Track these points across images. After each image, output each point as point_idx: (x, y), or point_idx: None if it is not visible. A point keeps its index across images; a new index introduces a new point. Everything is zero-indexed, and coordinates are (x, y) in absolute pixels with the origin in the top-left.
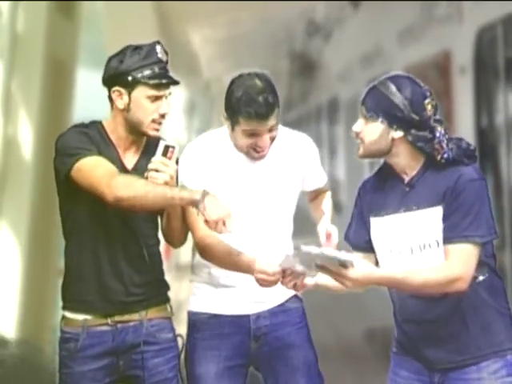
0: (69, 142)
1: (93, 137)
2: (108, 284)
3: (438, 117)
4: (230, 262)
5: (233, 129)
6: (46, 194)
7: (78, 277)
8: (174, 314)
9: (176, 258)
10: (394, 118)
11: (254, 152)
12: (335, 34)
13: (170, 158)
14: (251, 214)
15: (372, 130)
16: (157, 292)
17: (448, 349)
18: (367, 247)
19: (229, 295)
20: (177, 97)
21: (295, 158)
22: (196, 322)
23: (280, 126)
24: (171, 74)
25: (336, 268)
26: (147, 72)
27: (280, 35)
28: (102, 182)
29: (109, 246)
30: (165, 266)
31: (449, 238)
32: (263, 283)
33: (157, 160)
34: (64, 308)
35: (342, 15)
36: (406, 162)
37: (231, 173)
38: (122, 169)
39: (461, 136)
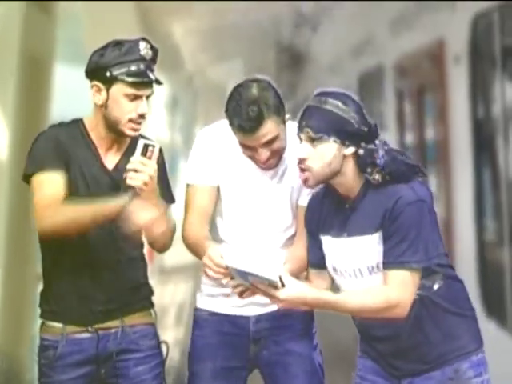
0: (35, 150)
1: (65, 141)
2: (86, 292)
3: (374, 122)
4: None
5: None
6: (22, 198)
7: (55, 284)
8: (158, 320)
9: (160, 261)
10: (346, 134)
11: (257, 163)
12: (324, 23)
13: (149, 158)
14: (253, 219)
15: (324, 152)
16: (139, 297)
17: (411, 359)
18: (322, 264)
19: (230, 295)
20: (159, 92)
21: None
22: (198, 318)
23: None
24: (156, 73)
25: (266, 288)
26: (125, 69)
27: (266, 26)
28: (35, 208)
29: (86, 252)
30: (148, 270)
31: (386, 263)
32: (206, 271)
33: (135, 160)
34: (42, 315)
35: (330, 4)
36: (350, 183)
37: (241, 172)
38: (102, 169)
39: (456, 128)
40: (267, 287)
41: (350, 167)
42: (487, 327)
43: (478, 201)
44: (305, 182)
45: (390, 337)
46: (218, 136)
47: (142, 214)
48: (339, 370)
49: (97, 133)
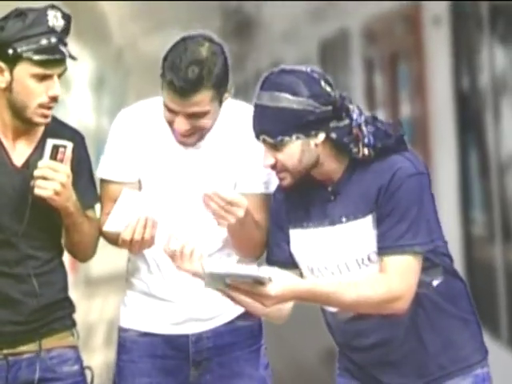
0: None
1: None
2: None
3: (340, 93)
4: None
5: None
6: None
7: None
8: (84, 341)
9: (85, 271)
10: (308, 125)
11: (174, 133)
12: None
13: (60, 161)
14: (180, 203)
15: (291, 153)
16: (56, 316)
17: (404, 372)
18: (289, 262)
19: (164, 310)
20: (81, 70)
21: (239, 144)
22: (125, 340)
23: (235, 102)
24: (76, 46)
25: (251, 287)
26: (32, 45)
27: None
28: None
29: None
30: (71, 281)
31: (383, 248)
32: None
33: (43, 165)
34: None
35: None
36: (331, 168)
37: (163, 152)
38: (10, 166)
39: (437, 103)
40: (252, 286)
41: (326, 153)
42: None
43: (463, 189)
44: (281, 181)
45: (379, 344)
46: (137, 121)
47: None
48: None
49: (1, 120)
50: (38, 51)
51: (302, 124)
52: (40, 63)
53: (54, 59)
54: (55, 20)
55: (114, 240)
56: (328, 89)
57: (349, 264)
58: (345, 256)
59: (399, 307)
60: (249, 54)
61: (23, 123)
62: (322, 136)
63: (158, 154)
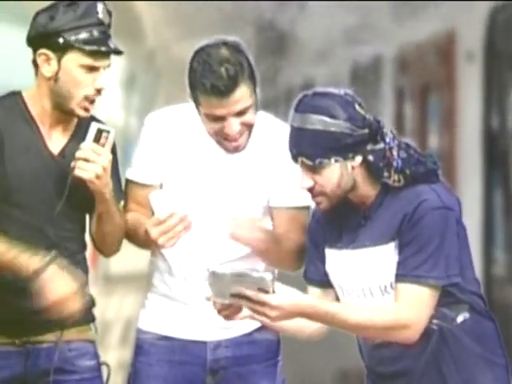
0: None
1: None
2: (11, 299)
3: (374, 116)
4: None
5: (199, 112)
6: None
7: None
8: (100, 337)
9: (104, 267)
10: (346, 148)
11: (225, 142)
12: (312, 1)
13: (103, 145)
14: (209, 209)
15: (329, 176)
16: (82, 307)
17: None
18: (323, 281)
19: (184, 314)
20: (114, 67)
21: (273, 157)
22: (143, 342)
23: (267, 115)
24: (113, 40)
25: (255, 295)
26: (83, 35)
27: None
28: None
29: None
30: (90, 277)
31: (399, 275)
32: (155, 237)
33: (87, 147)
34: None
35: None
36: (365, 192)
37: (198, 161)
38: (46, 153)
39: (465, 138)
40: (257, 294)
41: (362, 176)
42: None
43: (486, 227)
44: (318, 205)
45: (401, 373)
46: (168, 125)
47: (58, 286)
48: None
49: (40, 109)
50: (89, 42)
51: (340, 147)
52: (90, 54)
53: (104, 51)
54: (104, 13)
55: (135, 238)
56: (362, 112)
57: (372, 289)
58: (368, 281)
59: (406, 336)
60: (280, 70)
61: (63, 113)
62: (359, 159)
63: (189, 159)
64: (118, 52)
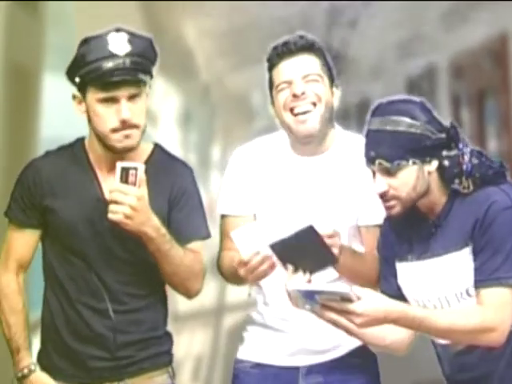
0: (14, 191)
1: (54, 173)
2: (78, 346)
3: (451, 122)
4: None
5: (272, 99)
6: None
7: (48, 336)
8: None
9: (173, 305)
10: (425, 151)
11: (293, 115)
12: (363, 18)
13: (133, 183)
14: (303, 218)
15: (406, 178)
16: (146, 355)
17: None
18: (397, 296)
19: (278, 341)
20: (169, 105)
21: (356, 174)
22: (239, 371)
23: (347, 132)
24: (165, 82)
25: (338, 304)
26: (91, 70)
27: (295, 24)
28: (0, 263)
29: (79, 301)
30: None
31: (479, 280)
32: (243, 273)
33: (114, 188)
34: None
35: None
36: (435, 198)
37: (286, 187)
38: (101, 199)
39: None
40: (340, 303)
41: (435, 182)
42: None
43: None
44: (390, 209)
45: (480, 379)
46: (253, 156)
47: None
48: None
49: (95, 153)
50: (97, 75)
51: (419, 149)
52: (102, 87)
53: (114, 81)
54: (117, 44)
55: (232, 276)
56: (439, 118)
57: (448, 297)
58: (444, 289)
59: (493, 339)
60: None
61: (112, 153)
62: (435, 163)
63: (277, 186)
64: (135, 78)
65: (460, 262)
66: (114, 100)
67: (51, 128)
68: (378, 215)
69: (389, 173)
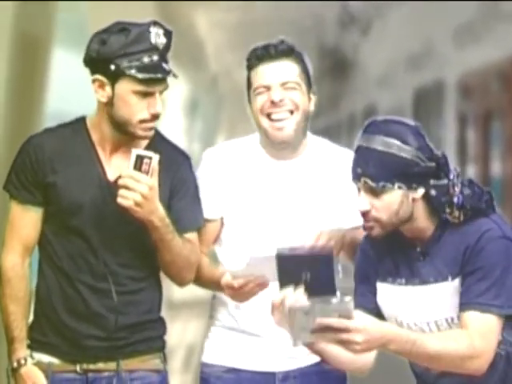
0: (14, 166)
1: (54, 151)
2: (74, 324)
3: (442, 152)
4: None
5: (249, 98)
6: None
7: (42, 311)
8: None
9: (168, 293)
10: (412, 177)
11: (270, 121)
12: (375, 26)
13: (145, 172)
14: (275, 221)
15: (389, 201)
16: (141, 337)
17: None
18: (374, 311)
19: (252, 345)
20: (176, 93)
21: (334, 176)
22: (209, 376)
23: (326, 141)
24: (170, 63)
25: (337, 321)
26: (134, 62)
27: (306, 23)
28: (4, 244)
29: (78, 280)
30: None
31: (462, 303)
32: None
33: (126, 174)
34: (28, 346)
35: (384, 4)
36: (421, 226)
37: (258, 192)
38: (103, 180)
39: None
40: (340, 321)
41: (420, 210)
42: None
43: None
44: (369, 230)
45: None
46: (223, 158)
47: None
48: None
49: (100, 134)
50: (140, 69)
51: (407, 174)
52: (142, 81)
53: (156, 78)
54: (157, 37)
55: (208, 283)
56: (431, 146)
57: (439, 322)
58: (435, 315)
59: (477, 366)
60: (343, 95)
61: (125, 136)
62: (421, 191)
63: (247, 191)
64: (172, 75)
65: (452, 291)
66: (148, 94)
67: (56, 101)
68: (353, 219)
69: (373, 193)
